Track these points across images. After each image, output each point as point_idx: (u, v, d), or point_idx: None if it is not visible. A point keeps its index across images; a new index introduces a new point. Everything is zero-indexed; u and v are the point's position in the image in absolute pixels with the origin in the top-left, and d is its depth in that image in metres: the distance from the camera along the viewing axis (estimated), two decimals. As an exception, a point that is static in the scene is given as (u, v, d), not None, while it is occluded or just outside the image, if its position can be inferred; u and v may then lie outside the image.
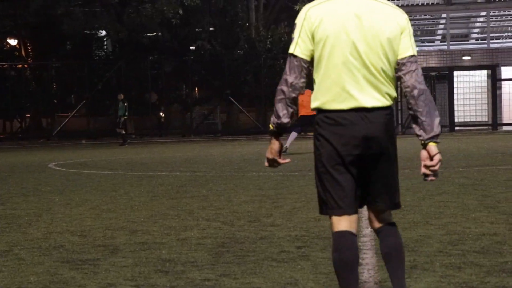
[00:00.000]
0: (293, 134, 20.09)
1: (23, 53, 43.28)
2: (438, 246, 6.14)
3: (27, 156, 24.44)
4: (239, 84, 39.98)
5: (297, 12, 44.75)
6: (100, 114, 41.00)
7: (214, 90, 41.12)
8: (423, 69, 28.71)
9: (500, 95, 36.72)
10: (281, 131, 3.89)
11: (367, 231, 7.00)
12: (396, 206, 3.94)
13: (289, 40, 31.66)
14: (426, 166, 3.78)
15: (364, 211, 8.43)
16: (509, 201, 8.90)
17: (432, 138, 3.76)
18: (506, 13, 40.14)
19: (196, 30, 42.06)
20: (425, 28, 39.06)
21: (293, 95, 3.82)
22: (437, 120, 3.78)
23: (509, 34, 42.42)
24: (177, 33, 40.69)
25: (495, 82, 36.25)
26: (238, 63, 40.27)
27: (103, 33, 44.48)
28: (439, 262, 5.53)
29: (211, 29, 42.60)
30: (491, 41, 38.77)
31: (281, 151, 3.98)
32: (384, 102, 3.76)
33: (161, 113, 45.00)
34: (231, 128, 41.36)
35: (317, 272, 5.33)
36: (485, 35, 39.37)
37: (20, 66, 42.84)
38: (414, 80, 3.77)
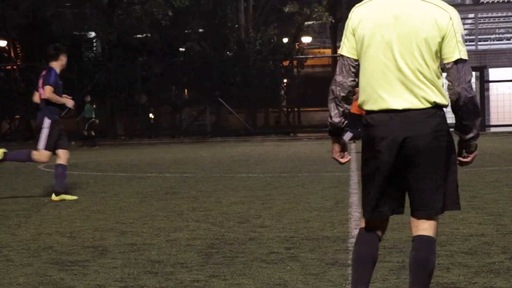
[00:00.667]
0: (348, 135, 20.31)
1: (12, 54, 43.16)
2: (427, 247, 6.16)
3: (16, 157, 24.33)
4: (228, 86, 40.00)
5: (286, 13, 44.59)
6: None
7: (204, 92, 41.11)
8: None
9: (488, 96, 36.89)
10: (334, 131, 3.91)
11: (356, 232, 7.02)
12: (436, 213, 3.79)
13: (278, 41, 32.22)
14: (461, 160, 3.89)
15: (354, 212, 8.45)
16: (497, 202, 8.94)
17: (471, 139, 3.80)
18: (494, 15, 40.34)
19: (186, 31, 42.06)
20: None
21: (342, 94, 3.86)
22: (477, 122, 3.78)
23: (497, 36, 42.61)
24: (166, 35, 40.68)
25: (483, 83, 36.41)
26: (228, 64, 40.30)
27: (93, 34, 44.41)
28: (427, 262, 5.54)
29: (200, 30, 42.60)
30: (479, 43, 38.95)
31: (343, 150, 3.98)
32: (418, 105, 3.69)
33: (150, 115, 44.96)
34: (220, 129, 41.37)
35: (306, 273, 5.34)
36: (473, 37, 39.52)
37: (9, 67, 42.72)
38: (461, 88, 3.69)
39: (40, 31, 39.68)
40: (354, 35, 3.81)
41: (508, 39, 42.27)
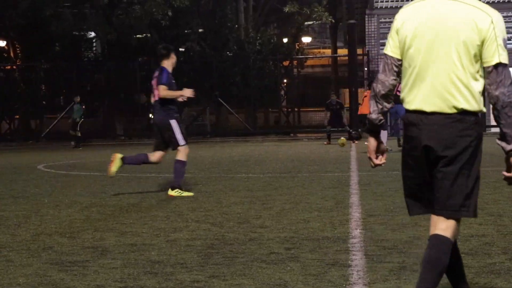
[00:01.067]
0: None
1: (11, 54, 43.12)
2: (427, 248, 6.15)
3: (16, 157, 24.36)
4: (228, 86, 39.96)
5: (286, 13, 44.45)
6: (88, 116, 40.82)
7: (203, 92, 41.07)
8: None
9: (489, 97, 36.80)
10: (371, 127, 3.99)
11: (356, 232, 7.02)
12: (451, 215, 3.82)
13: (278, 41, 32.19)
14: (505, 174, 3.83)
15: (354, 212, 8.42)
16: (497, 202, 8.94)
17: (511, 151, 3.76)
18: (495, 15, 40.30)
19: (185, 31, 42.02)
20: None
21: (383, 92, 3.94)
22: None
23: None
24: (166, 35, 40.63)
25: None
26: (227, 64, 40.25)
27: (92, 34, 44.39)
28: (428, 263, 5.53)
29: (200, 30, 42.57)
30: (480, 43, 38.89)
31: (379, 151, 4.03)
32: (445, 109, 3.75)
33: (150, 115, 44.90)
34: (220, 130, 41.33)
35: (306, 274, 5.34)
36: (474, 37, 39.47)
37: (8, 67, 42.67)
38: (499, 92, 3.70)
39: (40, 31, 39.63)
40: (398, 35, 3.89)
41: (508, 39, 42.32)
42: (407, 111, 3.87)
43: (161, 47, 11.22)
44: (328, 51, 58.99)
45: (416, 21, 3.82)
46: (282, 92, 45.00)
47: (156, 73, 10.94)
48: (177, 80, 40.15)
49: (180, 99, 11.05)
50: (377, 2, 36.05)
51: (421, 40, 3.79)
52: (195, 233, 7.28)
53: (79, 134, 30.28)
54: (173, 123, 10.81)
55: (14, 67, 42.50)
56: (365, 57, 37.51)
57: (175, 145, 10.81)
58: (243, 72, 40.07)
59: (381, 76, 3.95)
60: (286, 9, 43.18)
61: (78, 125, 30.05)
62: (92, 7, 39.58)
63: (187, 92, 10.98)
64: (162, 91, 10.73)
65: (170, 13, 37.24)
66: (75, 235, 7.34)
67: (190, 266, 5.72)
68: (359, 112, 21.36)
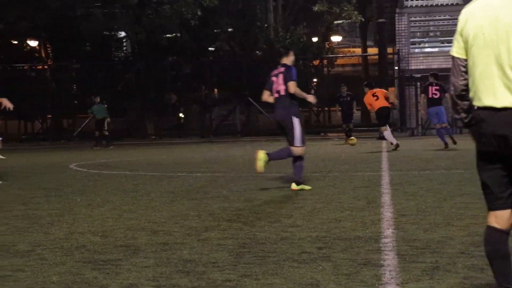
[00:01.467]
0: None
1: (43, 54, 43.53)
2: (460, 248, 6.11)
3: (49, 156, 24.58)
4: (258, 85, 39.95)
5: (316, 13, 44.08)
6: (119, 115, 41.09)
7: (233, 91, 41.14)
8: (443, 69, 28.58)
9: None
10: (464, 125, 4.10)
11: (388, 232, 6.99)
12: None
13: (308, 41, 31.95)
14: None
15: (386, 212, 8.36)
16: None
17: None
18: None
19: (215, 31, 42.13)
20: (444, 29, 38.94)
21: (456, 93, 4.05)
22: None
23: None
24: (195, 34, 40.77)
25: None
26: (257, 64, 40.28)
27: (122, 34, 44.66)
28: (461, 263, 5.51)
29: (229, 30, 42.65)
30: (511, 41, 38.48)
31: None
32: None
33: (180, 114, 45.10)
34: (250, 129, 41.37)
35: (338, 273, 5.32)
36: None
37: (40, 67, 43.09)
38: None
39: (70, 31, 39.96)
40: (461, 35, 3.97)
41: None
42: (478, 108, 3.93)
43: (280, 47, 11.77)
44: (358, 50, 58.80)
45: (475, 20, 3.90)
46: (312, 92, 44.89)
47: (281, 70, 11.18)
48: (207, 79, 39.94)
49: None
50: (407, 0, 35.84)
51: (482, 37, 3.87)
52: (227, 232, 7.29)
53: (107, 133, 30.38)
54: (296, 122, 11.00)
55: (46, 67, 42.91)
56: (396, 56, 37.31)
57: (291, 142, 10.98)
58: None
59: (452, 78, 4.06)
60: (316, 8, 43.06)
61: (105, 124, 30.12)
62: (122, 7, 39.82)
63: (311, 98, 11.61)
64: (294, 87, 10.96)
65: (199, 13, 37.38)
66: (108, 234, 7.39)
67: (222, 265, 5.73)
68: (376, 107, 21.23)
